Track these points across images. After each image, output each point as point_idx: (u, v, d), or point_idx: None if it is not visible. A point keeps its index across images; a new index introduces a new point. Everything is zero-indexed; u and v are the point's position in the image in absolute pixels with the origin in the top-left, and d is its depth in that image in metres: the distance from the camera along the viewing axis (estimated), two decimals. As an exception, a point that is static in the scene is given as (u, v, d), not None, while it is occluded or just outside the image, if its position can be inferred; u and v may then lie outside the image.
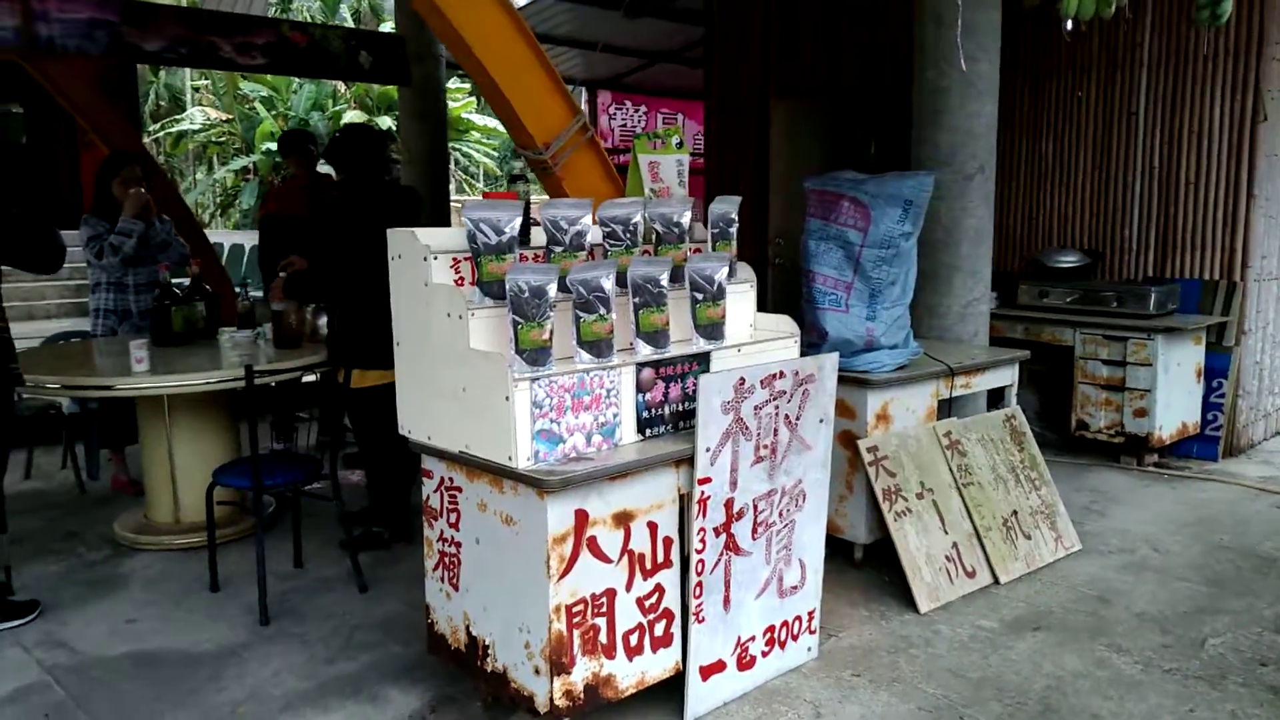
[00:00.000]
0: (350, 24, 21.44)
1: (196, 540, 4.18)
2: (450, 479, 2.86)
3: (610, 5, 8.67)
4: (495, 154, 23.93)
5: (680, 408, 2.96)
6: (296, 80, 20.94)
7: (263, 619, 3.62)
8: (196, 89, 22.38)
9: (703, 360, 3.02)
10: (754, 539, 3.04)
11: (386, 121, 19.50)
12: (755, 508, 3.03)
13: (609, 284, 2.76)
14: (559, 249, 2.85)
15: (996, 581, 3.97)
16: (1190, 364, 5.64)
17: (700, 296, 3.05)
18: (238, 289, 5.27)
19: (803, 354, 4.03)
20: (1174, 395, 5.54)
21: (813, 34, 7.34)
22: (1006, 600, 3.84)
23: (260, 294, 5.20)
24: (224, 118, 21.40)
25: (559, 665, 2.63)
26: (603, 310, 2.75)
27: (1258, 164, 5.60)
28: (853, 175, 4.09)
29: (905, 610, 3.73)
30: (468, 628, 2.87)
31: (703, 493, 2.85)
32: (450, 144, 22.50)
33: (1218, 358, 5.75)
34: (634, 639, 2.80)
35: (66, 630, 3.58)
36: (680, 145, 3.53)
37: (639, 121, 11.26)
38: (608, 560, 2.71)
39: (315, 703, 3.07)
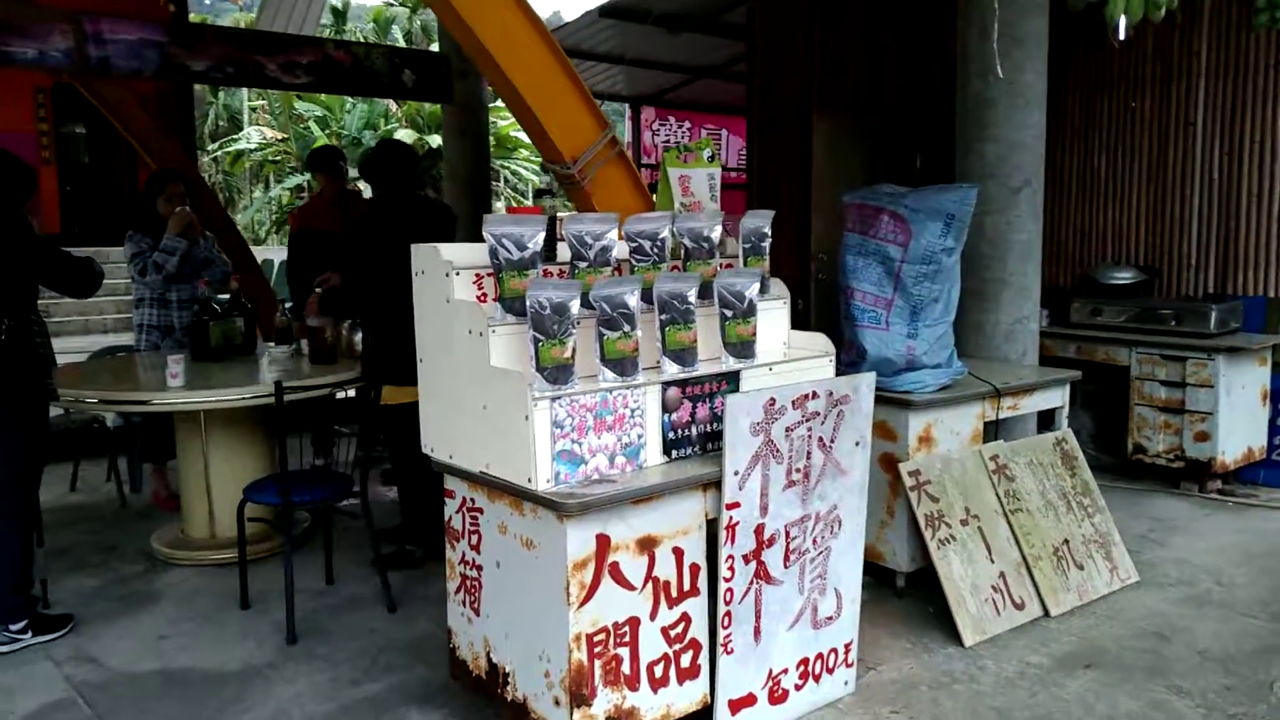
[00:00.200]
0: (402, 44, 21.77)
1: (231, 556, 4.16)
2: (472, 500, 2.79)
3: (653, 21, 8.62)
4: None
5: (708, 429, 2.87)
6: (350, 100, 21.32)
7: (290, 638, 3.58)
8: (254, 109, 22.87)
9: (732, 379, 2.92)
10: (786, 567, 2.93)
11: (436, 140, 19.70)
12: (787, 534, 2.91)
13: (634, 300, 2.68)
14: (583, 264, 2.79)
15: (1047, 614, 3.79)
16: (1255, 386, 5.40)
17: (730, 313, 2.96)
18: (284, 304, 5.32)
19: (841, 373, 3.93)
20: (1237, 418, 5.30)
21: (857, 47, 7.22)
22: (1057, 634, 3.67)
23: (290, 307, 5.21)
24: (279, 137, 21.82)
25: (579, 697, 2.54)
26: (627, 327, 2.67)
27: (1325, 175, 5.37)
28: (892, 189, 3.97)
29: (949, 643, 3.57)
30: (488, 654, 2.80)
31: (731, 518, 2.75)
32: (499, 162, 22.78)
33: (1285, 379, 5.51)
34: (659, 670, 2.70)
35: (97, 645, 3.58)
36: (712, 158, 3.45)
37: (682, 137, 11.20)
38: (631, 587, 2.61)
39: (336, 726, 3.02)
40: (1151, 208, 6.00)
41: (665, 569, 2.69)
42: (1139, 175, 6.05)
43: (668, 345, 2.81)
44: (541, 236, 2.71)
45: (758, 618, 2.88)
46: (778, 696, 2.96)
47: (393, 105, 21.86)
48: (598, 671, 2.57)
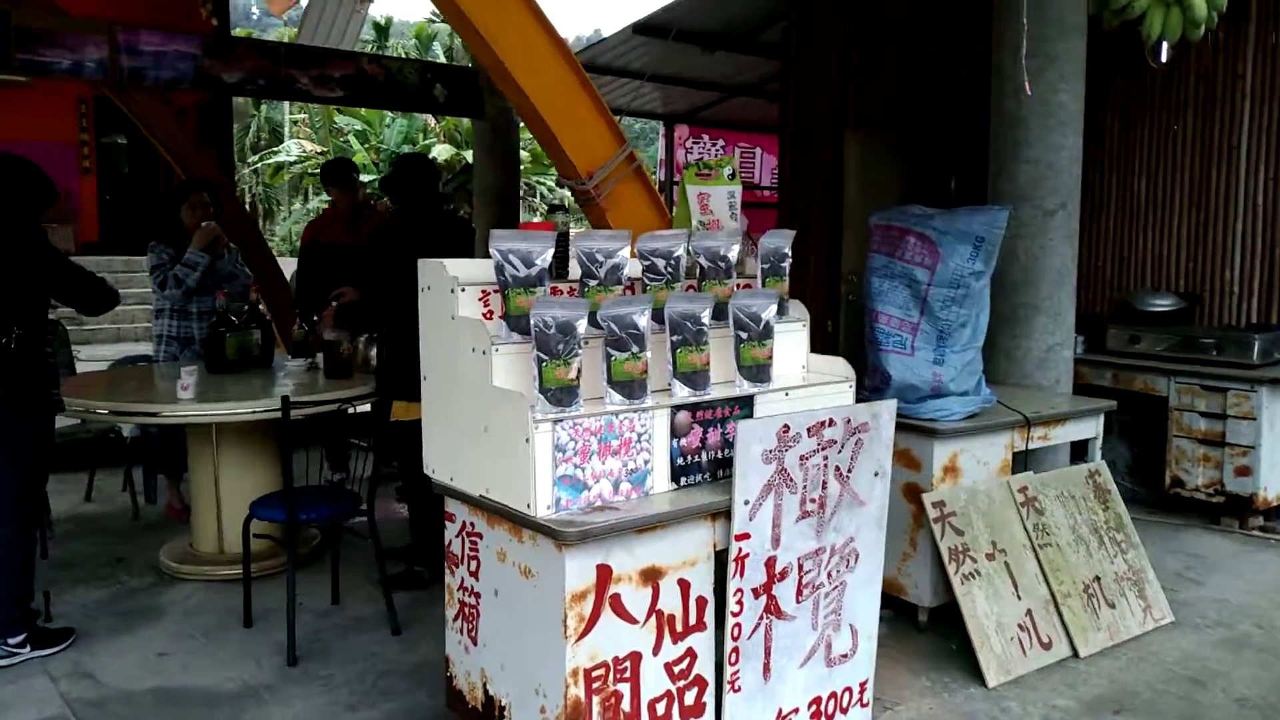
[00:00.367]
0: (443, 60, 21.93)
1: (239, 571, 4.09)
2: (472, 524, 2.70)
3: (688, 39, 8.57)
4: (579, 188, 24.11)
5: (719, 455, 2.75)
6: (389, 114, 21.50)
7: (290, 659, 3.50)
8: (295, 122, 23.15)
9: (745, 404, 2.81)
10: (799, 602, 2.80)
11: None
12: (800, 567, 2.79)
13: (643, 320, 2.58)
14: (593, 283, 2.69)
15: (1075, 654, 3.63)
16: (1300, 419, 5.18)
17: (745, 335, 2.85)
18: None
19: (864, 399, 3.80)
20: (1281, 453, 5.09)
21: (892, 66, 7.11)
22: (1086, 676, 3.50)
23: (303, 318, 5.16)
24: (319, 150, 22.04)
25: (576, 733, 2.43)
26: (635, 348, 2.57)
27: (1378, 203, 5.16)
28: (921, 210, 3.85)
29: (971, 682, 3.42)
30: (485, 685, 2.70)
31: (740, 550, 2.63)
32: (534, 178, 22.83)
33: (1332, 413, 5.27)
34: (661, 708, 2.58)
35: (96, 661, 3.52)
36: (733, 176, 3.35)
37: (716, 155, 11.13)
38: (633, 620, 2.50)
39: (330, 753, 2.93)
40: (1193, 233, 5.81)
41: (670, 602, 2.57)
42: (1180, 199, 5.87)
43: (678, 367, 2.71)
44: (550, 253, 2.62)
45: (767, 654, 2.75)
46: (788, 737, 2.83)
47: (431, 120, 22.02)
48: (596, 708, 2.45)
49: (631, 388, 2.58)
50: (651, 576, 2.53)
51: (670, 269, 2.86)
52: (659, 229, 3.26)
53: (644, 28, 8.26)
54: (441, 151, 21.69)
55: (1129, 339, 5.56)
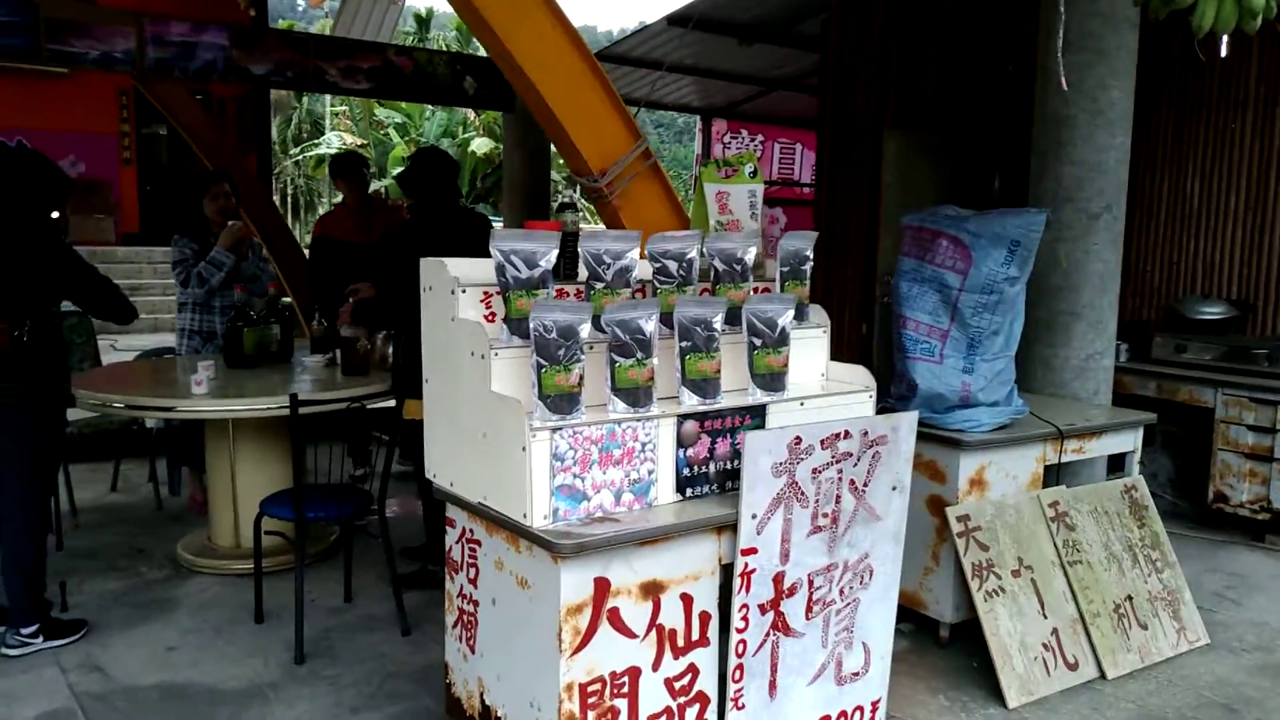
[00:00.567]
0: (484, 53, 21.95)
1: (254, 567, 4.09)
2: (471, 531, 2.63)
3: (726, 32, 8.43)
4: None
5: (727, 466, 2.65)
6: (429, 107, 21.58)
7: (298, 657, 3.47)
8: (336, 114, 23.32)
9: (757, 414, 2.71)
10: (808, 619, 2.70)
11: (513, 148, 19.80)
12: (810, 583, 2.68)
13: (650, 325, 2.49)
14: (600, 285, 2.61)
15: (1103, 676, 3.48)
16: (1354, 435, 4.95)
17: (759, 342, 2.74)
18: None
19: (890, 407, 3.68)
20: (1333, 470, 4.86)
21: (934, 61, 6.91)
22: (1113, 700, 3.35)
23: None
24: (359, 143, 22.19)
25: (570, 750, 2.35)
26: (640, 354, 2.48)
27: None
28: (954, 211, 3.71)
29: (991, 702, 3.30)
30: (482, 695, 2.63)
31: (747, 564, 2.53)
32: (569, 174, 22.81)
33: (1389, 429, 5.03)
34: (660, 725, 2.49)
35: (106, 654, 3.51)
36: (754, 174, 3.25)
37: (755, 151, 10.96)
38: (632, 635, 2.42)
39: (328, 758, 2.89)
40: (1248, 238, 5.58)
41: (672, 616, 2.48)
42: (1236, 203, 5.63)
43: (687, 375, 2.61)
44: (554, 254, 2.53)
45: (773, 671, 2.65)
46: (795, 759, 2.73)
47: (470, 114, 22.06)
48: (591, 725, 2.38)
49: (636, 395, 2.49)
50: (652, 590, 2.44)
51: (682, 271, 2.77)
52: (676, 229, 3.17)
53: (679, 19, 8.13)
54: (480, 145, 21.75)
55: (1175, 347, 5.35)
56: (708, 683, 2.57)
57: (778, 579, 2.61)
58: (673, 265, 2.75)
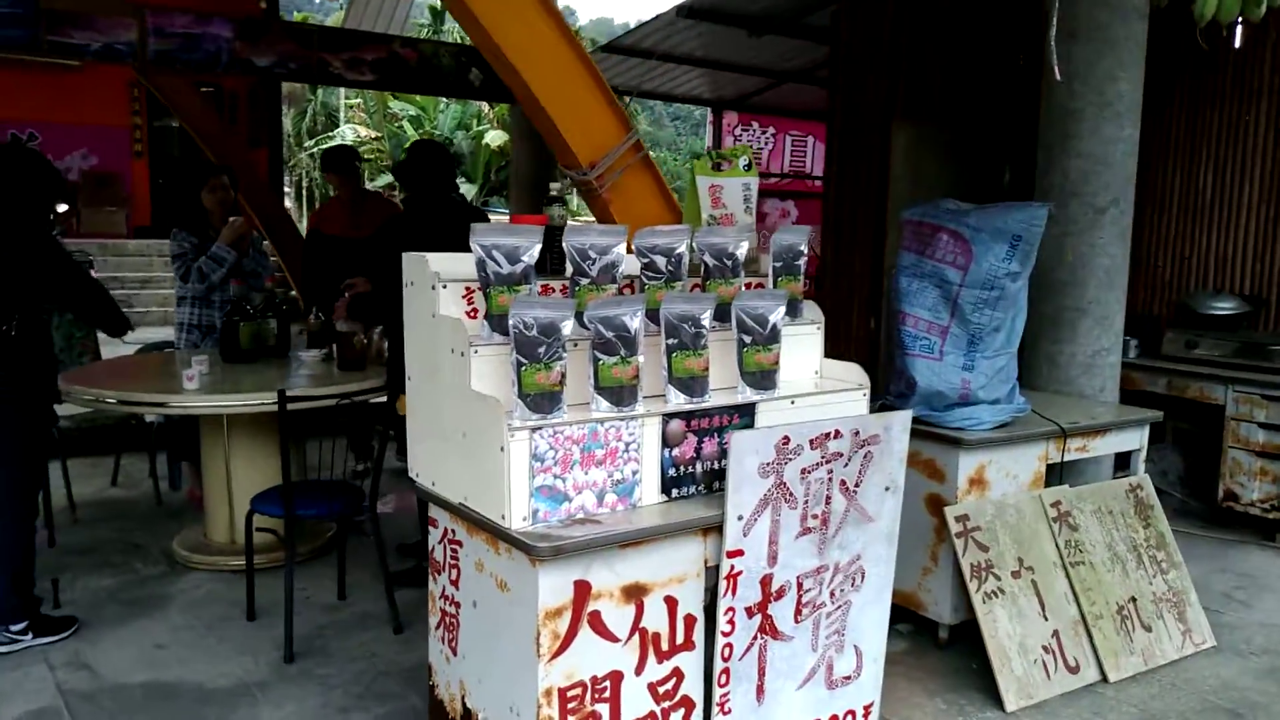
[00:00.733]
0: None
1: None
2: (453, 531, 2.59)
3: (735, 23, 8.34)
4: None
5: (714, 466, 2.60)
6: (443, 100, 21.55)
7: (287, 655, 3.45)
8: (350, 106, 23.33)
9: (745, 413, 2.65)
10: (797, 622, 2.64)
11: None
12: (800, 586, 2.63)
13: (635, 322, 2.43)
14: (585, 281, 2.55)
15: (1105, 679, 3.41)
16: (1369, 433, 4.85)
17: (748, 339, 2.68)
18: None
19: (889, 405, 3.62)
20: (1347, 469, 4.77)
21: (944, 54, 6.81)
22: (1115, 703, 3.29)
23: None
24: (373, 135, 22.20)
25: (550, 756, 2.31)
26: (625, 352, 2.42)
27: None
28: (955, 205, 3.63)
29: (989, 705, 3.24)
30: (463, 698, 2.59)
31: (733, 567, 2.48)
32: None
33: (1405, 427, 4.92)
34: (643, 730, 2.45)
35: (96, 651, 3.50)
36: (749, 167, 3.19)
37: (766, 144, 10.86)
38: (614, 639, 2.37)
39: (313, 759, 2.86)
40: (1262, 232, 5.46)
41: (655, 620, 2.43)
42: (1249, 195, 5.52)
43: (674, 372, 2.55)
44: (538, 249, 2.48)
45: (761, 675, 2.60)
46: (783, 764, 2.68)
47: (485, 107, 22.02)
48: (572, 730, 2.33)
49: (620, 394, 2.44)
50: (635, 593, 2.39)
51: (671, 267, 2.71)
52: (668, 223, 3.11)
53: (689, 10, 8.05)
54: (495, 138, 21.72)
55: (1186, 343, 5.26)
56: (693, 687, 2.52)
57: (765, 581, 2.55)
58: (661, 260, 2.69)
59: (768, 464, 2.47)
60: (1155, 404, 4.51)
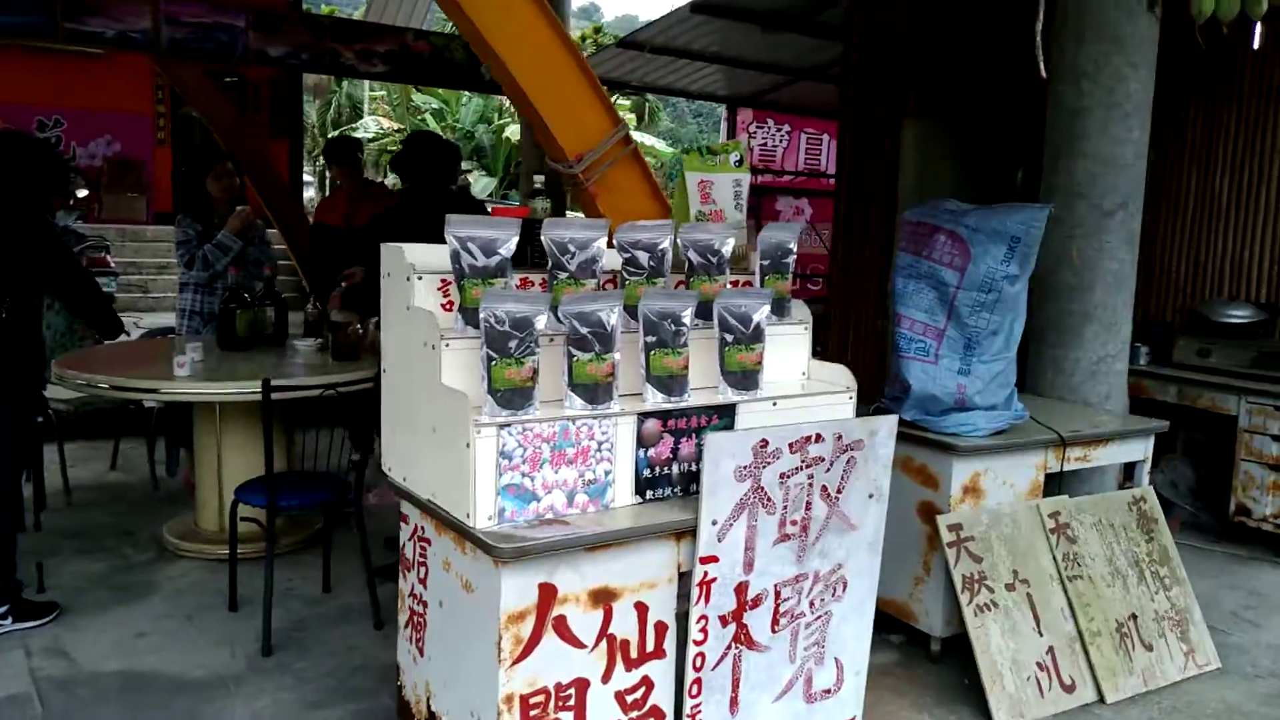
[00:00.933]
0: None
1: (239, 551, 4.04)
2: (422, 529, 2.54)
3: (748, 19, 8.25)
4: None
5: (691, 468, 2.53)
6: (465, 94, 21.53)
7: (265, 649, 3.41)
8: (374, 99, 23.38)
9: (725, 413, 2.58)
10: (774, 632, 2.57)
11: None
12: (777, 594, 2.55)
13: (612, 318, 2.37)
14: (563, 275, 2.49)
15: (1101, 700, 3.31)
16: (1387, 449, 4.71)
17: (730, 338, 2.61)
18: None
19: (883, 408, 3.54)
20: (1363, 485, 4.63)
21: (956, 52, 6.70)
22: (1110, 725, 3.19)
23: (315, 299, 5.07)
24: (396, 127, 22.23)
25: (511, 763, 2.25)
26: (599, 348, 2.36)
27: None
28: (954, 205, 3.55)
29: (979, 723, 3.15)
30: (429, 700, 2.54)
31: (706, 573, 2.41)
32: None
33: None
34: (609, 738, 2.38)
35: (74, 638, 3.47)
36: (740, 163, 3.11)
37: (781, 141, 10.76)
38: (580, 645, 2.31)
39: (281, 755, 2.82)
40: (1279, 238, 5.32)
41: (624, 626, 2.37)
42: (1268, 199, 5.37)
43: (652, 371, 2.49)
44: (514, 242, 2.43)
45: (735, 687, 2.53)
46: (757, 776, 2.61)
47: (506, 101, 22.01)
48: (534, 737, 2.27)
49: (595, 392, 2.38)
50: (603, 598, 2.33)
51: (654, 262, 2.64)
52: (657, 219, 3.04)
53: (702, 6, 7.97)
54: (515, 132, 21.68)
55: (1198, 351, 5.13)
56: (663, 697, 2.46)
57: (740, 589, 2.48)
58: (643, 256, 2.63)
59: (745, 467, 2.40)
60: (1166, 413, 4.39)
